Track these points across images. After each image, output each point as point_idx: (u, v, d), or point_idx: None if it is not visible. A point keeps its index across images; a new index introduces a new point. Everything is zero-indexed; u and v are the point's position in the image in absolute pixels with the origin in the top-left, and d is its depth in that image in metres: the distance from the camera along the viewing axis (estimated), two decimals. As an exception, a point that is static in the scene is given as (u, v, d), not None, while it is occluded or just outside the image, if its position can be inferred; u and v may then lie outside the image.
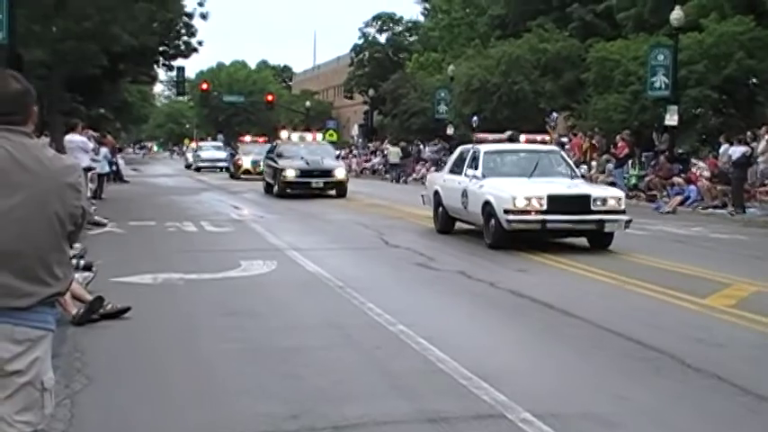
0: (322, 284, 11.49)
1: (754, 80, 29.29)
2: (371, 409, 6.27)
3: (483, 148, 16.79)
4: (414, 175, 41.35)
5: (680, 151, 27.87)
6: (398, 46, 75.29)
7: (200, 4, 48.22)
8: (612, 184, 27.22)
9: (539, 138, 18.37)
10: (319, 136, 34.38)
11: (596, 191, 15.51)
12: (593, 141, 30.24)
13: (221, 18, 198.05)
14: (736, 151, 21.78)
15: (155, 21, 41.43)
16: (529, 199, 14.46)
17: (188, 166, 61.83)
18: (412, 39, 74.68)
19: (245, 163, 43.32)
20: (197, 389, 6.84)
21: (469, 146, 17.77)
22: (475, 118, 40.02)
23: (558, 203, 14.44)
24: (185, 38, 54.03)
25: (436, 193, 17.91)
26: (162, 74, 67.68)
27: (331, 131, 60.69)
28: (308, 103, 78.73)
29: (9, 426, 3.81)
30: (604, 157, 28.79)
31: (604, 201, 14.75)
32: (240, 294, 10.78)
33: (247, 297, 10.62)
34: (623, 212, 14.84)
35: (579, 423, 5.97)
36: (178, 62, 58.42)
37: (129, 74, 54.73)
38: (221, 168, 53.29)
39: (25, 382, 3.80)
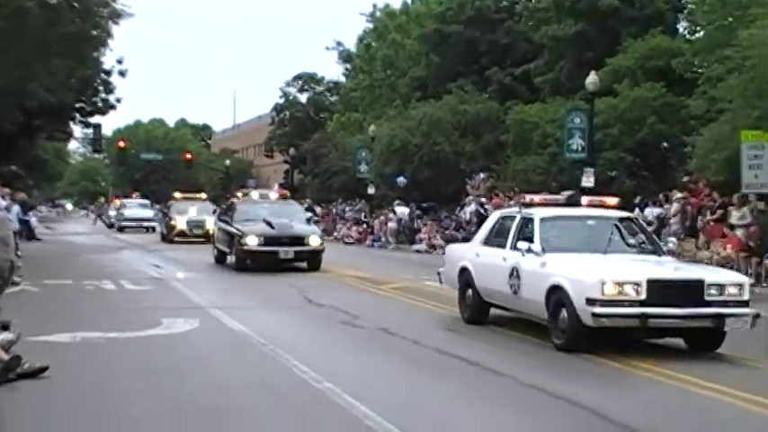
0: (246, 343, 11.39)
1: (665, 144, 30.14)
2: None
3: (538, 213, 12.53)
4: (335, 233, 41.42)
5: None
6: (319, 105, 75.67)
7: (119, 62, 47.81)
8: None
9: (607, 200, 13.65)
10: (286, 192, 28.09)
11: (710, 275, 11.34)
12: (512, 203, 30.68)
13: (140, 76, 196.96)
14: (652, 212, 22.31)
15: (72, 77, 40.98)
16: (621, 285, 10.55)
17: (110, 226, 58.45)
18: (333, 98, 75.17)
19: (180, 223, 37.43)
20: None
21: (514, 210, 13.62)
22: (401, 178, 40.26)
23: (661, 291, 10.57)
24: (103, 95, 53.46)
25: (464, 270, 13.59)
26: (77, 131, 66.73)
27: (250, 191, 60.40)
28: (227, 162, 78.43)
29: None
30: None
31: (722, 288, 10.78)
32: (163, 353, 10.62)
33: (170, 356, 10.46)
34: (747, 304, 10.91)
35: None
36: (95, 119, 57.62)
37: (45, 130, 53.89)
38: (147, 228, 49.49)
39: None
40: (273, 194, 26.79)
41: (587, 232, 12.52)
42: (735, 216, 20.80)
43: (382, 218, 39.05)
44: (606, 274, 10.67)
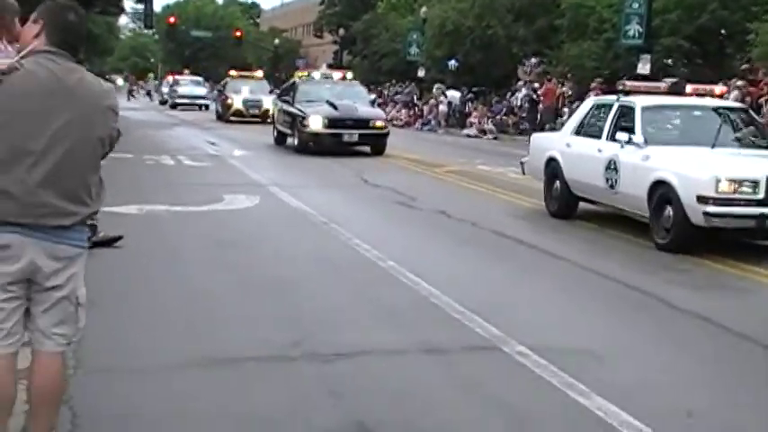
0: (307, 220, 11.64)
1: (723, 31, 29.51)
2: (370, 338, 6.47)
3: (639, 101, 11.56)
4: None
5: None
6: (370, -15, 74.51)
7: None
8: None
9: (715, 89, 12.82)
10: (349, 74, 26.26)
11: None
12: (565, 89, 30.43)
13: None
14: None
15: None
16: (738, 182, 9.70)
17: (162, 102, 58.63)
18: (384, -22, 73.91)
19: (236, 102, 36.52)
20: (195, 316, 6.97)
21: (611, 97, 12.61)
22: (453, 62, 39.95)
23: None
24: (155, -31, 53.13)
25: (551, 160, 12.78)
26: (128, 5, 66.48)
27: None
28: (276, 41, 78.05)
29: (46, 338, 3.96)
30: (576, 104, 28.96)
31: None
32: (227, 227, 10.91)
33: (234, 230, 10.75)
34: None
35: (573, 357, 6.16)
36: (146, -7, 57.44)
37: (97, 4, 53.86)
38: (200, 107, 49.00)
39: (62, 297, 3.94)
40: (336, 75, 25.78)
41: (693, 123, 11.62)
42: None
43: (433, 101, 38.90)
44: (720, 170, 9.80)
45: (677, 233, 10.05)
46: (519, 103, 32.23)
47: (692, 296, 8.22)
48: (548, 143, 13.53)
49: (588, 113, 12.70)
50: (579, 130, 12.61)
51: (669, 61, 28.58)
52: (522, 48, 38.02)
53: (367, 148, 21.68)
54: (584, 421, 5.09)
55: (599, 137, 11.86)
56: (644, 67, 26.76)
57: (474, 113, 35.01)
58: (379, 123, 21.97)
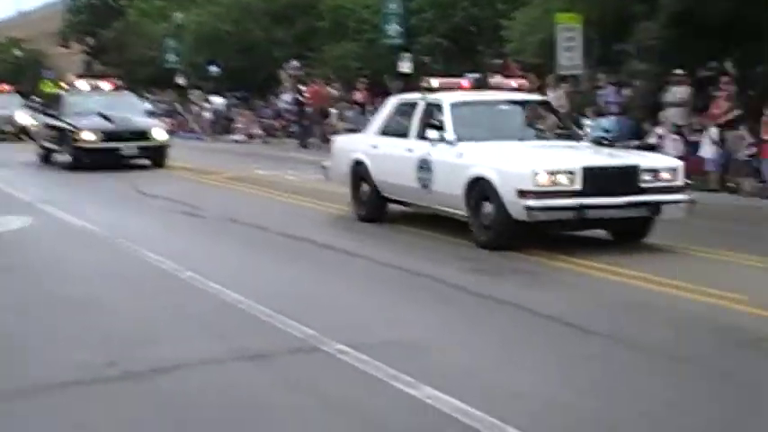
0: (90, 237, 11.21)
1: (472, 28, 30.69)
2: (187, 351, 6.32)
3: (446, 98, 11.32)
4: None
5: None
6: (118, -8, 72.47)
7: None
8: (352, 131, 28.00)
9: (513, 83, 12.82)
10: (119, 83, 24.85)
11: (644, 159, 10.54)
12: (331, 90, 30.75)
13: None
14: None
15: None
16: (554, 174, 9.71)
17: None
18: (132, -15, 72.06)
19: None
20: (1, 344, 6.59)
21: (415, 95, 12.15)
22: (213, 67, 39.46)
23: (596, 180, 9.73)
24: None
25: (357, 163, 12.31)
26: None
27: (47, 82, 57.62)
28: (17, 52, 74.40)
29: None
30: (342, 104, 29.40)
31: (656, 174, 10.04)
32: (6, 250, 10.33)
33: (11, 253, 10.18)
34: (681, 189, 10.22)
35: (393, 350, 6.27)
36: None
37: None
38: None
39: None
40: (106, 85, 23.87)
41: (500, 118, 11.73)
42: (551, 97, 21.66)
43: (197, 109, 38.33)
44: (537, 163, 9.80)
45: (498, 230, 9.90)
46: (286, 107, 32.27)
47: (500, 285, 8.54)
48: (352, 145, 13.01)
49: (393, 112, 12.39)
50: (384, 130, 12.27)
51: (427, 59, 29.42)
52: (283, 51, 38.09)
53: (146, 161, 20.75)
54: (418, 411, 5.16)
55: (407, 136, 11.56)
56: (405, 66, 27.49)
57: (240, 119, 34.77)
58: (157, 134, 21.02)
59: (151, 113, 23.58)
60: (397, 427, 4.94)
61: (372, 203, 12.11)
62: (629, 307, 7.69)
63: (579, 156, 10.38)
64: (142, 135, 20.67)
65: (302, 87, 30.49)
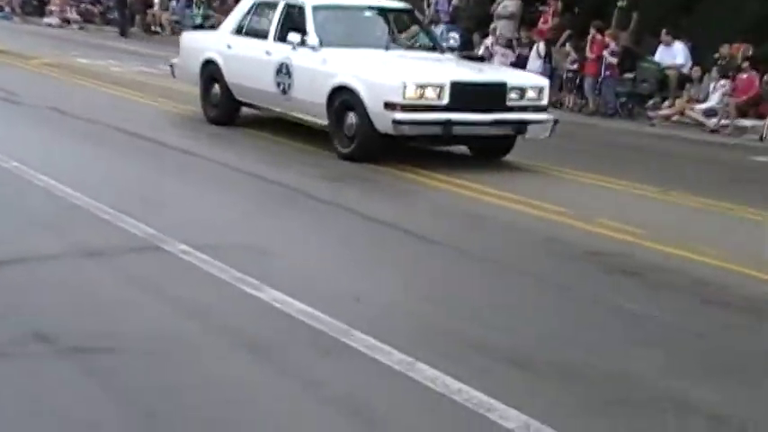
0: None
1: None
2: (22, 246, 6.07)
3: (308, 0, 10.77)
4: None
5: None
6: None
7: None
8: (177, 23, 27.19)
9: None
10: None
11: (512, 77, 10.59)
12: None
13: None
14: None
15: None
16: (423, 87, 9.42)
17: None
18: None
19: None
20: None
21: None
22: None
23: (464, 95, 9.49)
24: None
25: (209, 62, 11.64)
26: None
27: None
28: None
29: None
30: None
31: (522, 92, 9.90)
32: None
33: None
34: (546, 109, 10.28)
35: (238, 253, 6.19)
36: None
37: None
38: None
39: None
40: None
41: (364, 24, 11.26)
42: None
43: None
44: (406, 75, 9.49)
45: (361, 142, 9.59)
46: (108, -8, 30.96)
47: (346, 193, 8.53)
48: (203, 44, 12.27)
49: (250, 11, 11.66)
50: (240, 30, 11.61)
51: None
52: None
53: None
54: (263, 312, 5.16)
55: (265, 37, 11.00)
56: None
57: (55, 1, 33.04)
58: None
59: None
60: (246, 328, 4.92)
61: (224, 106, 11.53)
62: (470, 219, 7.89)
63: (447, 69, 10.15)
64: None
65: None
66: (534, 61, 16.74)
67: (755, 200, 8.87)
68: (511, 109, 9.74)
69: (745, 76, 14.83)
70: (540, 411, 3.98)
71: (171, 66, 12.88)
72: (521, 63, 16.69)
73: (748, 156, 12.29)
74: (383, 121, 9.37)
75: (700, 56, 16.07)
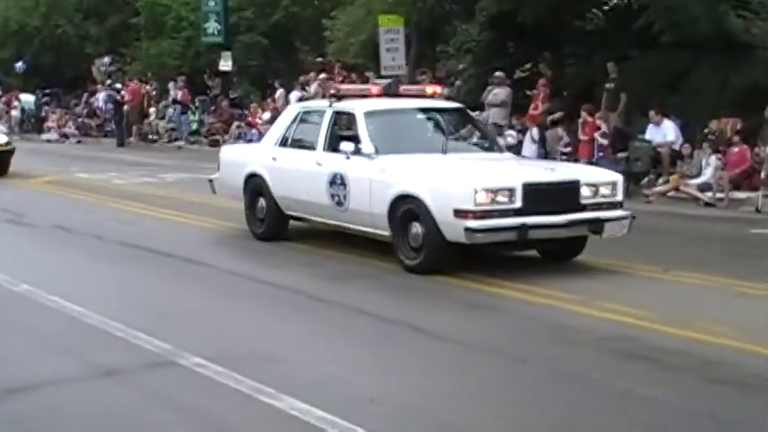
0: None
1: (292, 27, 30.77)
2: (39, 370, 6.18)
3: (358, 107, 10.36)
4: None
5: (233, 96, 28.77)
6: None
7: None
8: (174, 129, 27.64)
9: (427, 89, 11.68)
10: None
11: (584, 173, 9.93)
12: (149, 88, 30.22)
13: None
14: (294, 96, 23.04)
15: None
16: (494, 192, 8.90)
17: None
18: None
19: None
20: None
21: (321, 103, 11.49)
22: (20, 63, 37.94)
23: (537, 197, 8.96)
24: None
25: (253, 177, 11.17)
26: None
27: None
28: None
29: None
30: (162, 103, 28.99)
31: (596, 189, 9.36)
32: None
33: None
34: (621, 205, 9.57)
35: (251, 362, 6.29)
36: None
37: None
38: None
39: None
40: None
41: (418, 128, 10.80)
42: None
43: (2, 107, 36.75)
44: (475, 179, 8.97)
45: (430, 252, 9.05)
46: (101, 105, 31.41)
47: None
48: (246, 157, 11.79)
49: (294, 122, 11.20)
50: (285, 141, 11.12)
51: (250, 57, 29.32)
52: (95, 47, 37.03)
53: None
54: (282, 422, 5.24)
55: (313, 148, 10.53)
56: (226, 64, 27.36)
57: (52, 117, 33.62)
58: None
59: None
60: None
61: (271, 220, 10.97)
62: (470, 307, 7.99)
63: (516, 170, 9.67)
64: None
65: (119, 86, 29.78)
66: (529, 146, 17.02)
67: (758, 274, 8.97)
68: (585, 207, 9.21)
69: (736, 149, 15.07)
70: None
71: (210, 181, 12.27)
72: (515, 149, 16.95)
73: (747, 229, 12.43)
74: (453, 230, 8.82)
75: (689, 132, 16.35)
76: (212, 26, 28.00)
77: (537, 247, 9.56)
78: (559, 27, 19.70)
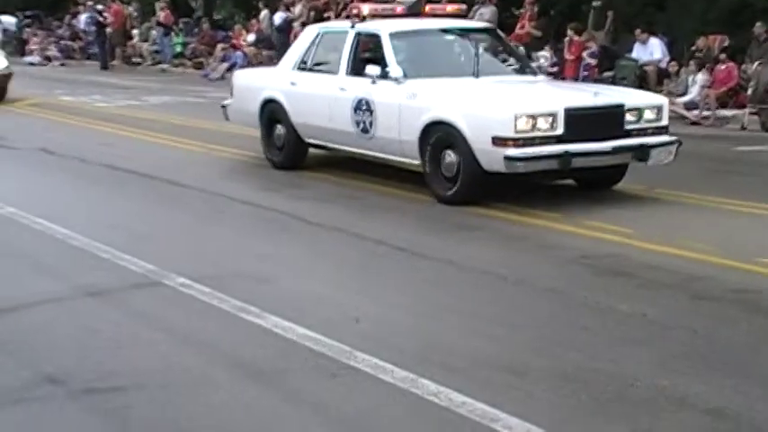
0: None
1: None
2: (24, 291, 6.20)
3: (383, 27, 9.75)
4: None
5: (217, 17, 28.47)
6: None
7: None
8: (157, 52, 27.35)
9: (447, 7, 10.81)
10: None
11: (627, 97, 9.21)
12: (131, 9, 29.81)
13: None
14: (278, 17, 22.78)
15: None
16: (535, 118, 8.31)
17: None
18: None
19: None
20: None
21: (342, 24, 10.89)
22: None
23: (579, 123, 8.41)
24: None
25: (270, 102, 10.64)
26: None
27: None
28: None
29: None
30: (146, 25, 28.62)
31: (640, 114, 8.79)
32: None
33: None
34: (666, 130, 9.00)
35: (236, 282, 6.33)
36: None
37: None
38: None
39: None
40: None
41: (447, 50, 10.15)
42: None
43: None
44: (515, 105, 8.42)
45: (465, 182, 8.56)
46: (84, 27, 31.02)
47: (329, 211, 8.68)
48: (261, 82, 11.12)
49: (313, 44, 10.59)
50: (304, 65, 10.56)
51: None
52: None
53: None
54: (265, 339, 5.28)
55: (335, 72, 9.96)
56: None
57: (34, 39, 33.19)
58: None
59: None
60: (248, 356, 5.03)
61: (290, 148, 10.50)
62: (460, 229, 8.04)
63: (557, 95, 9.15)
64: None
65: (100, 6, 29.36)
66: (514, 67, 16.88)
67: (743, 191, 9.02)
68: (629, 133, 8.67)
69: (723, 67, 15.04)
70: (541, 417, 4.13)
71: (223, 107, 11.69)
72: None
73: (732, 146, 12.47)
74: (491, 159, 8.31)
75: (676, 50, 16.28)
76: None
77: (574, 175, 9.03)
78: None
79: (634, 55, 16.25)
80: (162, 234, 7.92)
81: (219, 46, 25.09)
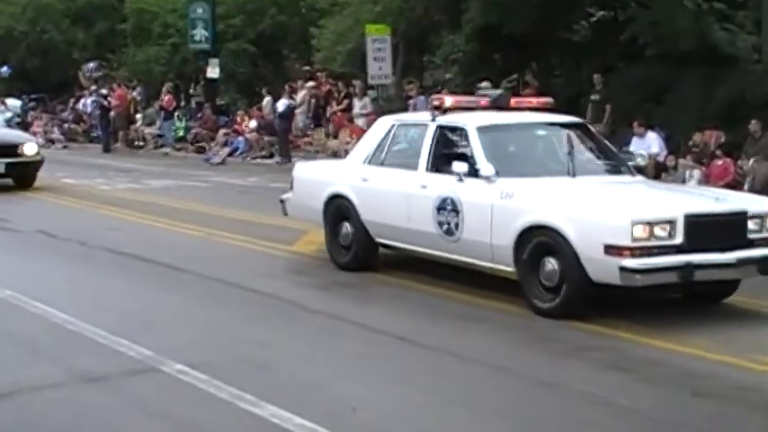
0: None
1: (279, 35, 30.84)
2: (21, 375, 6.20)
3: (470, 121, 8.94)
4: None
5: (220, 103, 28.81)
6: None
7: None
8: (160, 136, 27.63)
9: (533, 101, 10.28)
10: None
11: (751, 203, 8.29)
12: (135, 94, 30.20)
13: None
14: (281, 104, 23.06)
15: None
16: (652, 225, 7.49)
17: None
18: None
19: None
20: None
21: (419, 116, 10.45)
22: (5, 68, 37.90)
23: (701, 231, 7.58)
24: None
25: (337, 198, 9.88)
26: None
27: None
28: None
29: None
30: (150, 110, 28.96)
31: (763, 221, 7.95)
32: None
33: None
34: None
35: (234, 368, 6.33)
36: None
37: None
38: None
39: None
40: None
41: (539, 146, 9.37)
42: (357, 106, 22.22)
43: (-12, 112, 36.67)
44: (631, 210, 7.58)
45: (571, 293, 7.69)
46: (88, 110, 31.39)
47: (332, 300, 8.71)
48: (328, 176, 10.37)
49: (387, 137, 9.79)
50: (376, 159, 9.78)
51: (237, 64, 29.35)
52: (82, 53, 37.04)
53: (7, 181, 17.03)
54: (262, 429, 5.26)
55: (413, 168, 9.17)
56: (213, 71, 27.38)
57: (37, 122, 33.55)
58: (29, 149, 17.35)
59: (9, 123, 21.22)
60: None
61: (359, 248, 9.66)
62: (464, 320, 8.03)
63: (674, 199, 8.35)
64: (11, 150, 16.84)
65: (105, 91, 29.76)
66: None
67: (742, 288, 8.95)
68: (752, 243, 7.80)
69: (719, 162, 15.17)
70: None
71: (282, 201, 10.91)
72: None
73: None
74: (602, 269, 7.49)
75: (673, 144, 16.45)
76: (200, 33, 28.01)
77: (687, 288, 8.07)
78: (546, 38, 19.82)
79: (632, 148, 16.36)
80: (160, 319, 7.91)
81: (221, 131, 25.36)
